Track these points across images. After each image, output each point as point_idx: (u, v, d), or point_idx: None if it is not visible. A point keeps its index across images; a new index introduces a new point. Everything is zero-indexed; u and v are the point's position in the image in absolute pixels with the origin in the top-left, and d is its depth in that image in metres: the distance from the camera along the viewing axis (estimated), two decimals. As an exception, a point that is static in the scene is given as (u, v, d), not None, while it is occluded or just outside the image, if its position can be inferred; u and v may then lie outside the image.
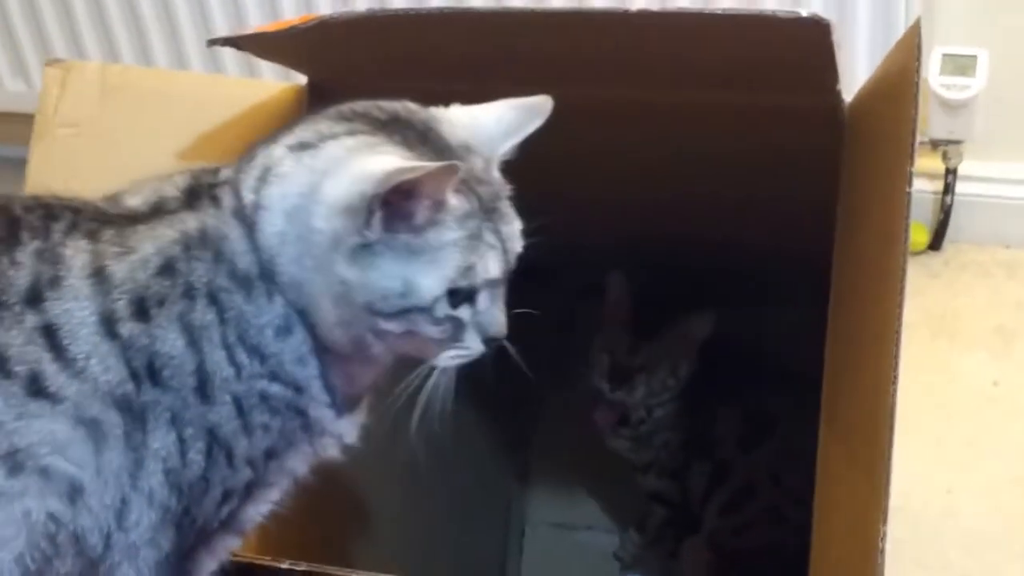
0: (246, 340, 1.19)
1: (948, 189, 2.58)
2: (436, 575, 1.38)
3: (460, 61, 1.54)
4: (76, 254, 1.17)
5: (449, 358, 1.23)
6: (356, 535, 1.93)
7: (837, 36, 1.36)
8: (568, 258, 2.30)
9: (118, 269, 1.17)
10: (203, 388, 1.18)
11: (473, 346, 1.23)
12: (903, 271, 1.29)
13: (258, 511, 1.29)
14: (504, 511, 2.55)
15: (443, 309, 1.19)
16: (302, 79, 1.72)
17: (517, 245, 1.24)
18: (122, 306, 1.17)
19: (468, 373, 1.90)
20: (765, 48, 1.43)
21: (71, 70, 1.71)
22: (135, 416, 1.17)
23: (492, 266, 1.21)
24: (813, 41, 1.36)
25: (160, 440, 1.18)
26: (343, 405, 1.26)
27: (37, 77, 2.85)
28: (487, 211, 1.21)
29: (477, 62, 1.47)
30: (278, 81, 1.89)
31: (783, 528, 2.05)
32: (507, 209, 1.24)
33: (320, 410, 1.25)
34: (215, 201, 1.22)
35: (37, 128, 1.69)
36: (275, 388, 1.21)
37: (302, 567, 1.43)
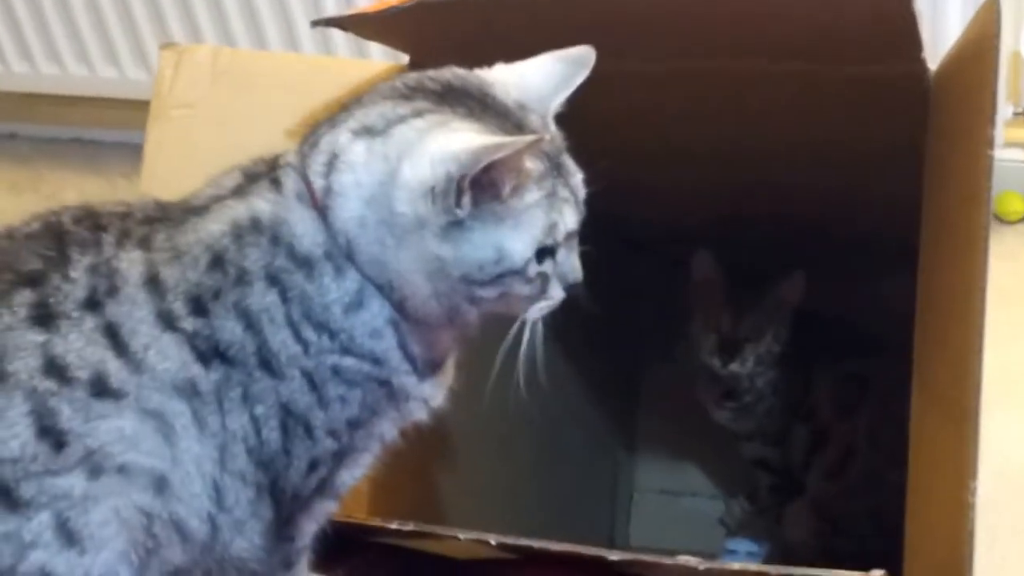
0: (312, 317, 1.22)
1: (1045, 158, 2.61)
2: (545, 537, 1.42)
3: (559, 37, 1.58)
4: (131, 266, 1.22)
5: (538, 310, 1.27)
6: (462, 497, 1.97)
7: (919, 4, 1.39)
8: (663, 232, 2.35)
9: (170, 274, 1.22)
10: (269, 365, 1.23)
11: (556, 295, 1.27)
12: (986, 232, 1.32)
13: (352, 475, 1.33)
14: (612, 478, 2.60)
15: (534, 268, 1.22)
16: (406, 59, 1.74)
17: (583, 194, 1.27)
18: (179, 306, 1.21)
19: (574, 348, 1.95)
20: (847, 17, 1.45)
21: (184, 53, 1.77)
22: (204, 402, 1.21)
23: (569, 219, 1.25)
24: (895, 9, 1.39)
25: (237, 421, 1.23)
26: (425, 370, 1.30)
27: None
28: (556, 167, 1.24)
29: (576, 37, 1.51)
30: (386, 61, 1.93)
31: (883, 490, 2.07)
32: (570, 161, 1.27)
33: (403, 378, 1.28)
34: (276, 185, 1.25)
35: (153, 109, 1.75)
36: (348, 361, 1.24)
37: (409, 527, 1.48)
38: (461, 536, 1.44)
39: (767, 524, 2.39)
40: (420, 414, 1.33)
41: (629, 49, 1.55)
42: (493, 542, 1.43)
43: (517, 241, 1.21)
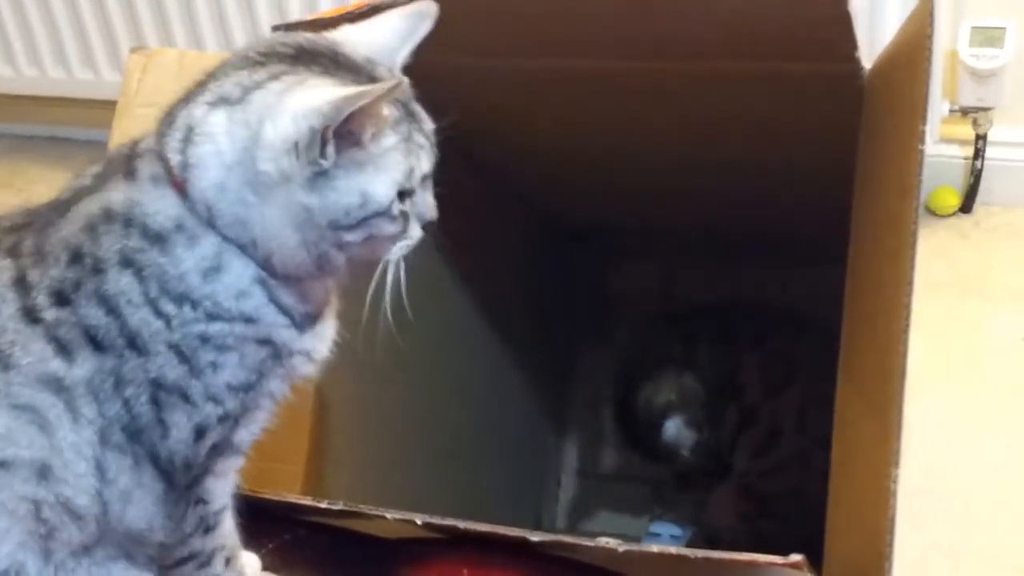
0: (170, 291, 1.24)
1: (978, 154, 2.71)
2: (474, 518, 1.43)
3: (517, 33, 1.61)
4: (0, 272, 1.25)
5: (399, 250, 1.30)
6: (390, 476, 1.99)
7: (857, 4, 1.41)
8: (597, 222, 2.38)
9: (35, 274, 1.24)
10: (134, 345, 1.24)
11: (415, 234, 1.30)
12: (915, 225, 1.34)
13: (250, 432, 1.35)
14: (542, 460, 2.63)
15: (396, 207, 1.25)
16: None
17: (435, 139, 1.30)
18: (42, 300, 1.23)
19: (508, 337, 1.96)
20: (780, 15, 1.48)
21: (152, 56, 1.82)
22: (74, 394, 1.23)
23: (425, 163, 1.28)
24: (829, 9, 1.42)
25: (112, 408, 1.24)
26: (304, 323, 1.31)
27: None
28: (409, 114, 1.28)
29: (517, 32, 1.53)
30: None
31: (809, 472, 2.10)
32: (420, 109, 1.30)
33: (282, 332, 1.29)
34: (129, 174, 1.26)
35: (119, 108, 1.80)
36: (216, 327, 1.25)
37: (338, 506, 1.49)
38: (388, 516, 1.44)
39: (692, 509, 2.41)
40: (305, 368, 1.34)
41: (554, 49, 1.59)
42: (419, 522, 1.44)
43: (380, 184, 1.24)
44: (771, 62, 1.59)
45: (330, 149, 1.20)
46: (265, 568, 1.48)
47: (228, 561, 1.38)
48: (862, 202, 1.55)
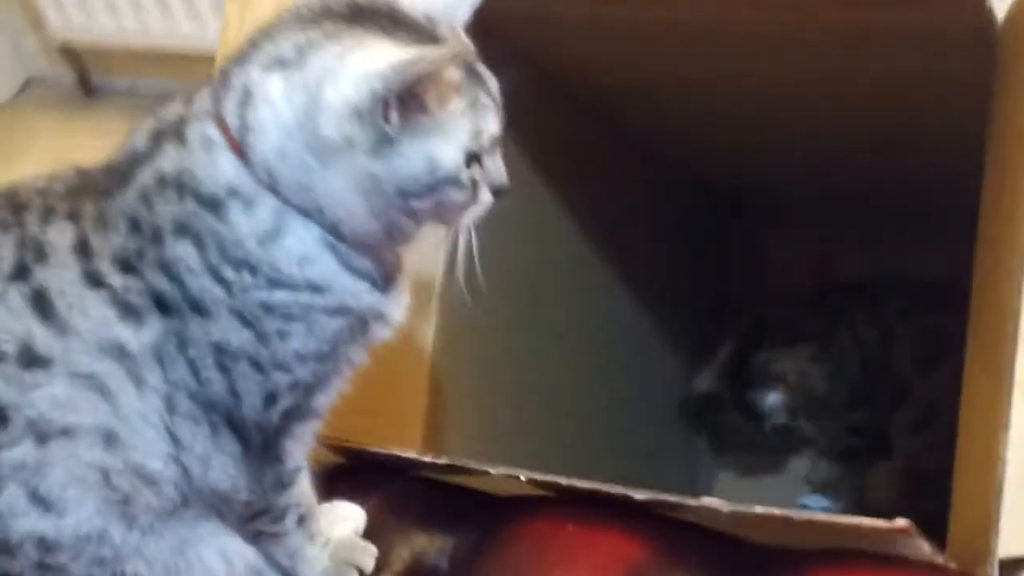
0: (228, 257, 1.22)
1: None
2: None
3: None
4: (60, 235, 1.24)
5: (471, 216, 1.28)
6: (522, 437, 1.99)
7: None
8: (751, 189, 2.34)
9: (96, 239, 1.23)
10: (199, 309, 1.23)
11: (486, 199, 1.27)
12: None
13: (328, 397, 1.33)
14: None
15: (465, 174, 1.23)
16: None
17: (501, 100, 1.27)
18: (106, 265, 1.22)
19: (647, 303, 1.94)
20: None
21: (249, 4, 1.80)
22: (138, 362, 1.23)
23: (492, 125, 1.25)
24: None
25: (177, 372, 1.24)
26: (384, 284, 1.30)
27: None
28: (473, 75, 1.24)
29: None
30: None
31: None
32: (484, 69, 1.27)
33: (362, 298, 1.28)
34: (179, 139, 1.25)
35: (219, 56, 1.76)
36: (279, 295, 1.24)
37: (443, 460, 1.49)
38: (492, 471, 1.45)
39: (851, 485, 2.37)
40: (383, 333, 1.33)
41: None
42: (523, 478, 1.43)
43: (447, 149, 1.21)
44: (888, 11, 1.53)
45: (394, 115, 1.17)
46: (372, 520, 1.49)
47: (301, 520, 1.38)
48: (995, 160, 1.49)
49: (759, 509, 1.38)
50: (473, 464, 1.48)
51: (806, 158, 2.10)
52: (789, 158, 2.13)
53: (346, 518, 1.48)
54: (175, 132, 1.25)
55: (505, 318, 1.68)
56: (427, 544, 1.48)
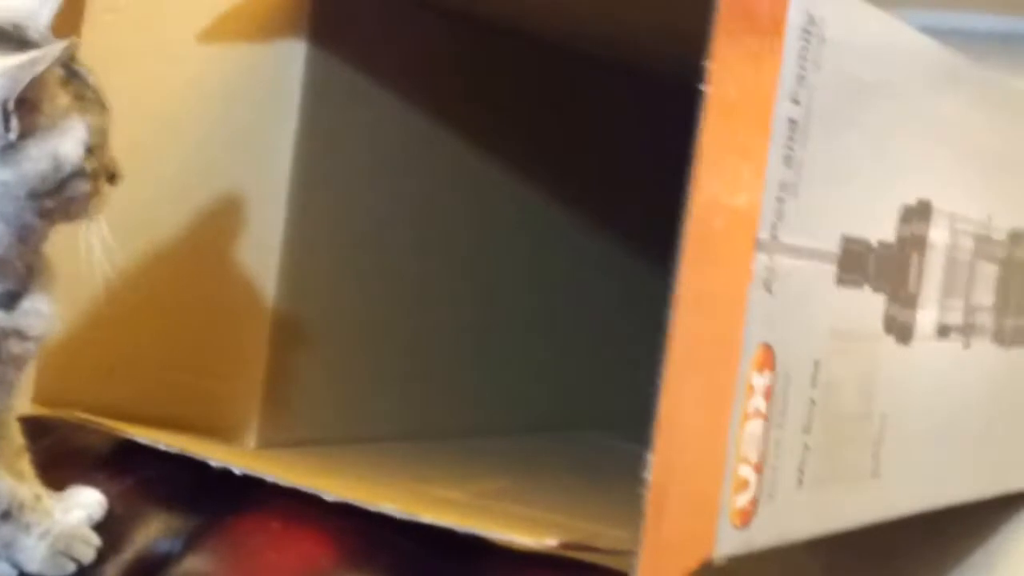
0: None
1: None
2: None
3: None
4: None
5: (95, 207, 1.33)
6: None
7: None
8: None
9: None
10: None
11: (105, 189, 1.33)
12: None
13: None
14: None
15: (88, 164, 1.28)
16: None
17: (102, 93, 1.32)
18: None
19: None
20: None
21: None
22: None
23: (100, 118, 1.31)
24: None
25: None
26: (8, 302, 1.32)
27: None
28: (72, 73, 1.29)
29: None
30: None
31: None
32: (82, 67, 1.31)
33: None
34: None
35: (86, 20, 1.80)
36: None
37: (176, 450, 1.54)
38: (213, 463, 1.50)
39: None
40: (18, 349, 1.34)
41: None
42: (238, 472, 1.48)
43: (68, 144, 1.26)
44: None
45: (14, 120, 1.22)
46: (123, 505, 1.51)
47: (6, 514, 1.39)
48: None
49: (426, 519, 1.38)
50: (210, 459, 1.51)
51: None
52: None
53: (80, 505, 1.48)
54: None
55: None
56: (163, 529, 1.52)
